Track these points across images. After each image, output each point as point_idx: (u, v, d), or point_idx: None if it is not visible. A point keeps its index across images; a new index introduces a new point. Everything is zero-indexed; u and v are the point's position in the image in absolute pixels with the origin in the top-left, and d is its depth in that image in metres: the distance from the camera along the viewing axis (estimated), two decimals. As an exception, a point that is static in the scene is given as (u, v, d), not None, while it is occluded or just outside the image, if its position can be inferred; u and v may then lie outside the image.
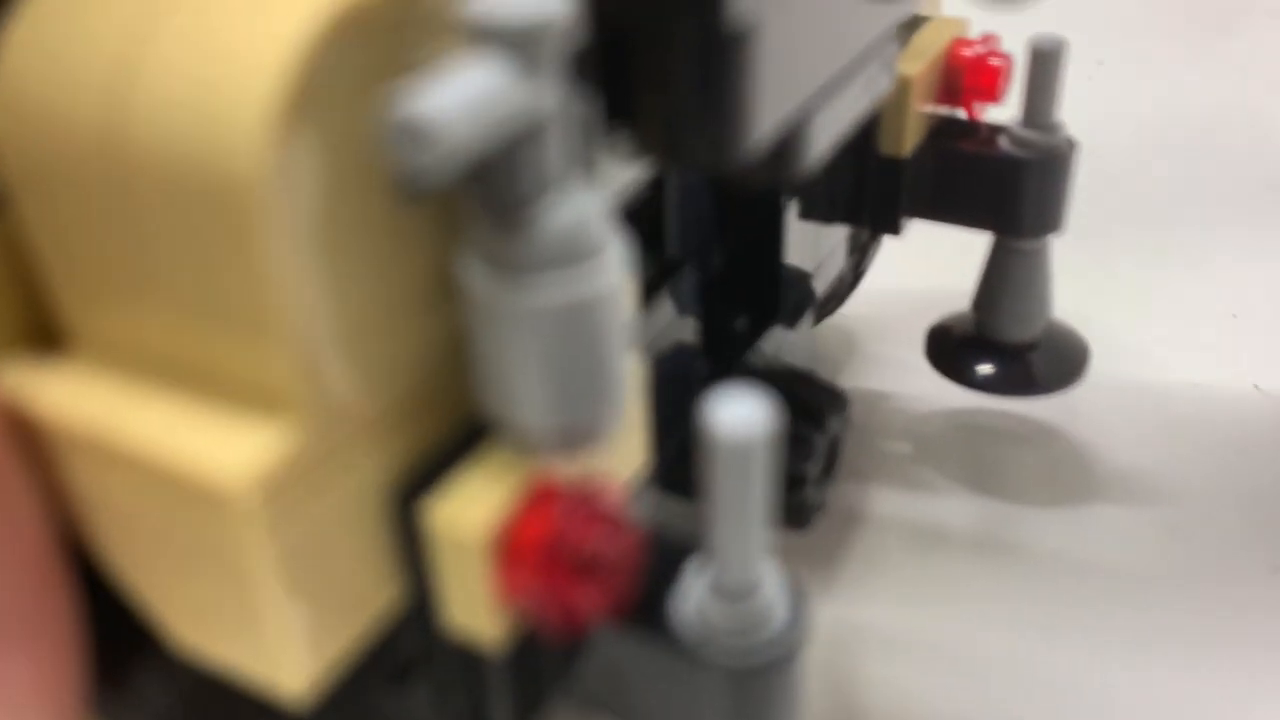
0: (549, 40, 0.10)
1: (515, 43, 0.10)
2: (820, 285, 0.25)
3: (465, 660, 0.14)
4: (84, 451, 0.11)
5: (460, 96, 0.10)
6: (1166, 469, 0.28)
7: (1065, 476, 0.28)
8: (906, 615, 0.24)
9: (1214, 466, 0.28)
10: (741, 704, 0.13)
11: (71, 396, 0.11)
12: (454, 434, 0.13)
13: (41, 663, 0.11)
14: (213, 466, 0.11)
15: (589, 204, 0.11)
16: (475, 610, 0.13)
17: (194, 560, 0.11)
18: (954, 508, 0.27)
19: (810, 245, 0.24)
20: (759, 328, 0.23)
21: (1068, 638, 0.24)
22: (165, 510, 0.11)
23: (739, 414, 0.12)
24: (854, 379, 0.32)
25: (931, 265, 0.32)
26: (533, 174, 0.11)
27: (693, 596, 0.13)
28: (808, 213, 0.24)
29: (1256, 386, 0.31)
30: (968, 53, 0.25)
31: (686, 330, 0.21)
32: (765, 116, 0.14)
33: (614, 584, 0.12)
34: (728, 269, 0.22)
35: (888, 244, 0.30)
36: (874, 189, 0.25)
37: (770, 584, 0.13)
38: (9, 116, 0.11)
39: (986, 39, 0.26)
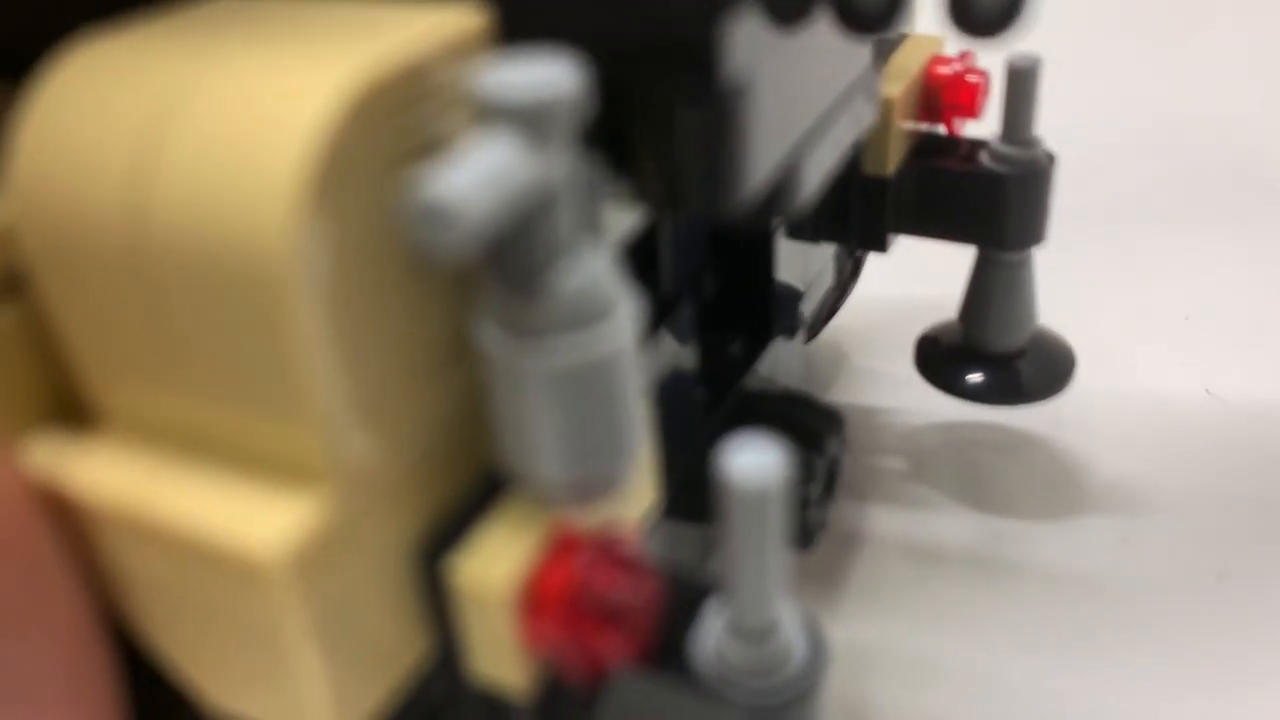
0: (559, 114, 0.11)
1: (526, 119, 0.11)
2: (811, 303, 0.26)
3: (491, 708, 0.14)
4: (117, 527, 0.12)
5: (478, 176, 0.10)
6: (1146, 475, 0.29)
7: (1047, 487, 0.29)
8: (907, 634, 0.25)
9: (1166, 470, 0.29)
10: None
11: (103, 472, 0.12)
12: (473, 488, 0.13)
13: None
14: (246, 541, 0.11)
15: (599, 265, 0.12)
16: (501, 661, 0.13)
17: (228, 628, 0.12)
18: (949, 523, 0.28)
19: (801, 265, 0.24)
20: (754, 351, 0.23)
21: (1057, 650, 0.24)
22: (199, 582, 0.11)
23: (753, 462, 0.12)
24: (843, 394, 0.33)
25: (914, 274, 0.33)
26: (546, 243, 0.11)
27: (712, 638, 0.13)
28: (795, 233, 0.24)
29: (1208, 391, 0.31)
30: (945, 70, 0.26)
31: (684, 358, 0.21)
32: (761, 164, 0.15)
33: (636, 630, 0.13)
34: (721, 295, 0.23)
35: (870, 254, 0.31)
36: (860, 208, 0.26)
37: (788, 623, 0.13)
38: (27, 200, 0.11)
39: (963, 55, 0.26)
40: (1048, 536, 0.27)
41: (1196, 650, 0.24)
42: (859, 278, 0.32)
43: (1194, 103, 0.47)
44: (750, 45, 0.13)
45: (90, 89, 0.11)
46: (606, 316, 0.12)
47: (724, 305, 0.23)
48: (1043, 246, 0.27)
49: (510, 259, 0.11)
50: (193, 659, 0.13)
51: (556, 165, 0.11)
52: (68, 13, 0.13)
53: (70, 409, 0.13)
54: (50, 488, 0.12)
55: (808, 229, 0.25)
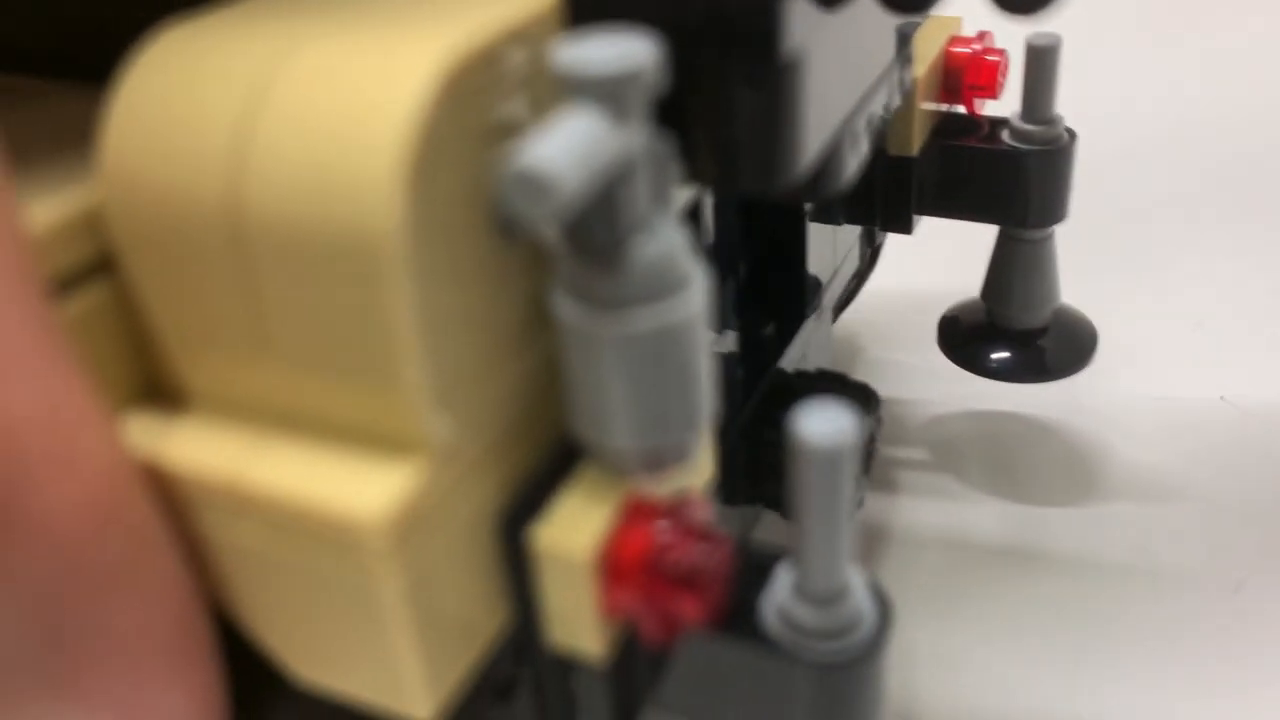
0: (639, 87, 0.11)
1: (609, 92, 0.11)
2: (839, 285, 0.26)
3: (565, 675, 0.14)
4: (213, 500, 0.12)
5: (569, 147, 0.10)
6: (1163, 483, 0.29)
7: (1065, 494, 0.29)
8: (936, 626, 0.25)
9: (1181, 478, 0.29)
10: (831, 699, 0.14)
11: (197, 448, 0.12)
12: (550, 456, 0.13)
13: (194, 696, 0.12)
14: (349, 508, 0.11)
15: (675, 237, 0.12)
16: (580, 627, 0.13)
17: (323, 600, 0.12)
18: (974, 512, 0.28)
19: (830, 247, 0.25)
20: (788, 332, 0.23)
21: (1076, 647, 0.24)
22: (296, 553, 0.12)
23: (825, 423, 0.12)
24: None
25: (923, 266, 0.33)
26: (627, 214, 0.11)
27: (782, 601, 0.14)
28: (821, 215, 0.24)
29: (1223, 398, 0.32)
30: (965, 50, 0.26)
31: (724, 341, 0.21)
32: (812, 142, 0.15)
33: (711, 593, 0.13)
34: (754, 277, 0.23)
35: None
36: (884, 189, 0.26)
37: (857, 586, 0.14)
38: (117, 184, 0.12)
39: (981, 35, 0.27)
40: (1067, 540, 0.27)
41: (1213, 658, 0.24)
42: (876, 264, 0.32)
43: (1215, 100, 0.46)
44: (804, 23, 0.14)
45: (178, 70, 0.12)
46: (682, 288, 0.12)
47: (757, 287, 0.23)
48: (1058, 246, 0.27)
49: (592, 230, 0.12)
50: (284, 633, 0.13)
51: (636, 136, 0.11)
52: (142, 12, 0.13)
53: (150, 389, 0.13)
54: (144, 463, 0.12)
55: (833, 211, 0.25)
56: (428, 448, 0.11)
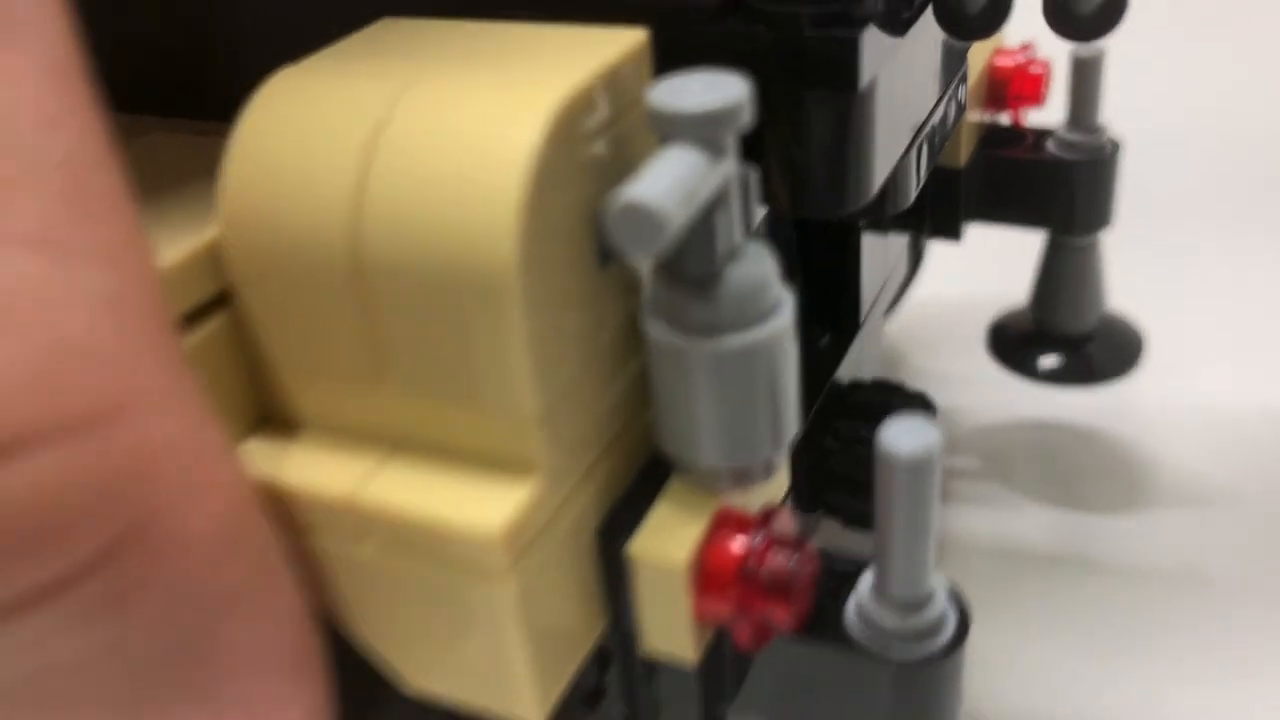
0: (733, 123, 0.12)
1: (706, 129, 0.11)
2: (890, 293, 0.27)
3: (651, 680, 0.15)
4: (333, 519, 0.13)
5: (672, 184, 0.11)
6: (1206, 488, 0.29)
7: (1111, 499, 0.29)
8: (987, 631, 0.25)
9: (1228, 483, 0.29)
10: (913, 698, 0.15)
11: (317, 471, 0.13)
12: (642, 471, 0.14)
13: (307, 709, 0.13)
14: (470, 524, 0.12)
15: (766, 262, 0.13)
16: (675, 634, 0.14)
17: (441, 612, 0.13)
18: (1022, 518, 0.28)
19: (881, 256, 0.25)
20: (843, 342, 0.24)
21: (1127, 650, 0.25)
22: (415, 568, 0.12)
23: (911, 432, 0.13)
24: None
25: (963, 271, 0.33)
26: (723, 244, 0.12)
27: (866, 606, 0.14)
28: (872, 224, 0.25)
29: (1268, 402, 0.32)
30: (1010, 61, 0.27)
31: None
32: (882, 167, 0.15)
33: (801, 600, 0.14)
34: (809, 288, 0.24)
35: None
36: (934, 197, 0.27)
37: (940, 592, 0.14)
38: (237, 222, 0.12)
39: (1025, 47, 0.27)
40: (1115, 545, 0.28)
41: (1260, 664, 0.24)
42: (919, 271, 0.33)
43: (1258, 99, 0.46)
44: (877, 52, 0.14)
45: (294, 111, 0.12)
46: (774, 312, 0.13)
47: (813, 298, 0.24)
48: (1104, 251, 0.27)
49: (689, 259, 0.12)
50: (399, 644, 0.14)
51: (730, 169, 0.12)
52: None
53: (262, 417, 0.14)
54: (263, 487, 0.13)
55: (884, 220, 0.26)
56: (539, 467, 0.12)
